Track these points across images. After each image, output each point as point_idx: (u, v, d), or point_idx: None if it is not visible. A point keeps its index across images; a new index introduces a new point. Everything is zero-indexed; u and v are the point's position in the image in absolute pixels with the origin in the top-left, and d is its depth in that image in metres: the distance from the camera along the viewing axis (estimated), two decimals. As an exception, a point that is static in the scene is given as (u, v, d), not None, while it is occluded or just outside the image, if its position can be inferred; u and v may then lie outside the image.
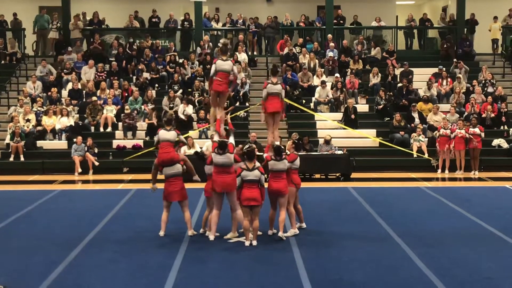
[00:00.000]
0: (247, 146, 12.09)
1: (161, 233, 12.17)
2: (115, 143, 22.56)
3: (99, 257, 10.88)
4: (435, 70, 25.67)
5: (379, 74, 25.34)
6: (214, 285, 9.28)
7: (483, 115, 23.23)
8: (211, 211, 12.17)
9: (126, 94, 24.29)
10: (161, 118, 23.08)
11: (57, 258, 10.65)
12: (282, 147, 12.11)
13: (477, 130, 21.06)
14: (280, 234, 11.78)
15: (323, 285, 9.22)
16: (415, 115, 23.28)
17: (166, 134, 12.20)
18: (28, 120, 22.79)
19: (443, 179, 20.40)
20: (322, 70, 25.55)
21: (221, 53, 12.68)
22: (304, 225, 12.85)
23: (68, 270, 10.05)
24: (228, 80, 12.57)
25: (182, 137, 12.53)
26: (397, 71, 25.71)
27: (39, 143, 22.56)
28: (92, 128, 23.14)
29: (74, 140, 21.57)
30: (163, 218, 12.21)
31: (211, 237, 11.86)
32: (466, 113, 23.25)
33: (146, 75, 25.27)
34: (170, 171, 12.08)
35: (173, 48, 26.75)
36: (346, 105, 23.54)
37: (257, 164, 11.64)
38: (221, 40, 13.11)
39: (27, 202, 15.92)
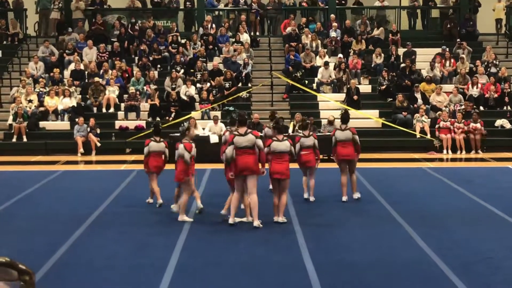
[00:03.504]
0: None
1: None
2: (117, 124, 22.58)
3: (102, 237, 10.95)
4: (438, 50, 25.58)
5: (382, 55, 25.27)
6: (216, 264, 9.34)
7: (486, 96, 23.22)
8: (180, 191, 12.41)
9: (127, 75, 24.27)
10: (164, 99, 23.11)
11: (61, 238, 10.72)
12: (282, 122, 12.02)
13: (478, 125, 21.19)
14: (281, 219, 11.70)
15: (325, 265, 9.27)
16: (418, 95, 23.27)
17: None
18: (30, 101, 22.81)
19: (446, 160, 20.43)
20: (325, 50, 25.48)
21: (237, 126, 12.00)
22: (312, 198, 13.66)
23: (72, 250, 10.12)
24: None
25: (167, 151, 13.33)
26: (400, 51, 25.65)
27: (42, 124, 22.60)
28: (95, 109, 23.16)
29: (77, 120, 21.60)
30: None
31: (231, 221, 11.53)
32: (468, 94, 23.25)
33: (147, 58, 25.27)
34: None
35: (175, 28, 26.69)
36: (348, 86, 23.51)
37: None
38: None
39: (30, 183, 15.99)
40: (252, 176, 11.39)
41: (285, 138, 11.80)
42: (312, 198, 13.61)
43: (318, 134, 20.31)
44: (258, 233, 11.09)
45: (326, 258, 9.62)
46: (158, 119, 22.22)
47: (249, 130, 11.54)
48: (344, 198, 13.56)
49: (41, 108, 22.76)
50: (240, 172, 11.37)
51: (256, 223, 11.43)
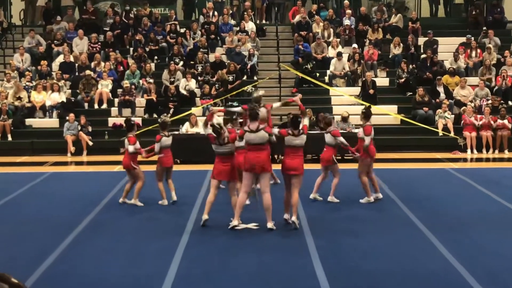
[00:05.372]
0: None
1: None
2: (110, 121, 22.65)
3: (94, 244, 10.98)
4: (463, 39, 25.56)
5: (401, 45, 25.27)
6: (220, 273, 9.36)
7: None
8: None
9: (121, 68, 24.32)
10: (161, 94, 23.17)
11: (49, 245, 10.75)
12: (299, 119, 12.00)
13: (506, 122, 21.22)
14: (293, 219, 11.70)
15: (338, 273, 9.28)
16: (440, 89, 23.27)
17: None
18: (19, 98, 22.82)
19: (471, 160, 20.43)
20: (338, 40, 25.50)
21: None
22: (380, 195, 14.09)
23: (61, 260, 10.15)
24: None
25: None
26: (421, 41, 25.64)
27: (28, 121, 22.68)
28: (86, 105, 23.22)
29: (66, 118, 21.67)
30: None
31: (235, 223, 11.67)
32: (496, 87, 23.24)
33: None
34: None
35: (174, 16, 26.74)
36: (364, 79, 23.53)
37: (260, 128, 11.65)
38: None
39: (15, 186, 16.04)
40: (265, 174, 11.50)
41: (301, 132, 11.78)
42: (330, 198, 13.95)
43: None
44: (265, 238, 11.11)
45: (338, 265, 9.64)
46: (155, 115, 22.28)
47: (261, 126, 11.61)
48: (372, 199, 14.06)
49: (28, 104, 22.82)
50: (251, 169, 11.45)
51: (270, 224, 11.58)
